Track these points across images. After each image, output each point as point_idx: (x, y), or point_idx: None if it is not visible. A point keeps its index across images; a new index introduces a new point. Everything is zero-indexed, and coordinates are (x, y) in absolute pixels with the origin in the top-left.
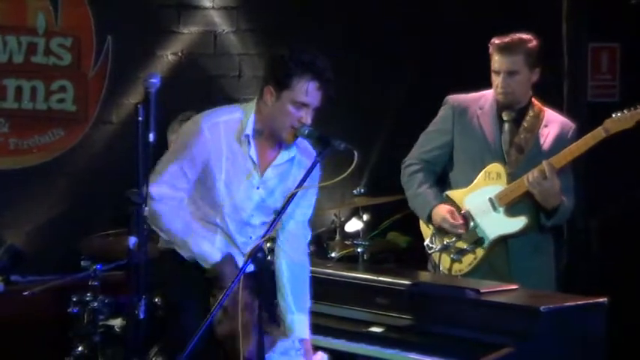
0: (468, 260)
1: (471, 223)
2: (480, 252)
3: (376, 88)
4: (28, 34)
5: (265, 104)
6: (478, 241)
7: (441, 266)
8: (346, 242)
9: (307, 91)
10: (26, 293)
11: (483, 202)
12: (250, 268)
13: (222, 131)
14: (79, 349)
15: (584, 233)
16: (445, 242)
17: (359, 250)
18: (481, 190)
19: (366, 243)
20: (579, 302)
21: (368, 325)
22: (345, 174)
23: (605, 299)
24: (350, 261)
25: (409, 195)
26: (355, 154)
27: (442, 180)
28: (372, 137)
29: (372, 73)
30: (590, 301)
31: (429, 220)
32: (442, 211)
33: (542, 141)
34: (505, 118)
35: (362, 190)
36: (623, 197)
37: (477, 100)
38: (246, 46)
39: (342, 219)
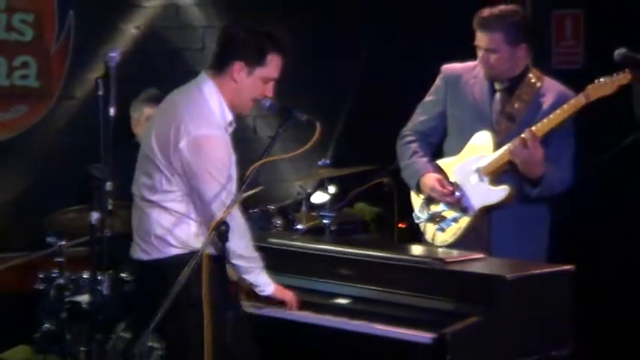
0: (452, 230)
1: (457, 193)
2: (463, 222)
3: (338, 58)
4: None
5: (233, 81)
6: (463, 212)
7: (426, 236)
8: (312, 214)
9: (280, 67)
10: None
11: (470, 171)
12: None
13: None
14: (46, 325)
15: None
16: (432, 212)
17: (325, 221)
18: (468, 160)
19: (333, 214)
20: (546, 270)
21: (334, 297)
22: (308, 145)
23: (573, 267)
24: (316, 233)
25: (402, 166)
26: (317, 125)
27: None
28: (336, 108)
29: (333, 42)
30: (557, 269)
31: (418, 189)
32: (430, 180)
33: (537, 110)
34: (497, 87)
35: (327, 162)
36: (587, 162)
37: (471, 69)
38: (209, 19)
39: (308, 191)
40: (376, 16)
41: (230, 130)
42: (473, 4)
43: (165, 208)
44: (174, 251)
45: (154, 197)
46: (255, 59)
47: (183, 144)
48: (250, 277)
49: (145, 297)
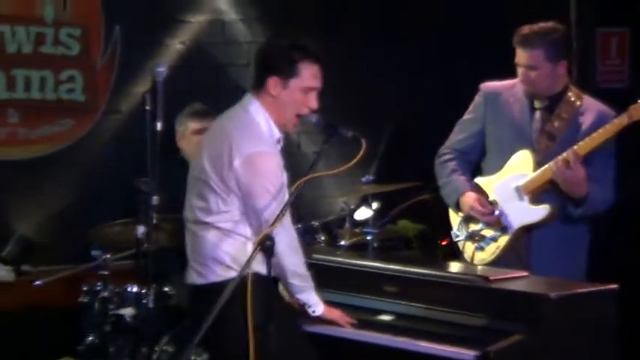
0: (492, 249)
1: (496, 212)
2: (503, 241)
3: (385, 74)
4: (37, 25)
5: (270, 96)
6: (502, 230)
7: (465, 255)
8: (356, 230)
9: (316, 75)
10: (37, 283)
11: (510, 190)
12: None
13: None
14: (90, 338)
15: None
16: (471, 230)
17: (368, 238)
18: (508, 178)
19: (376, 231)
20: (590, 289)
21: (377, 314)
22: (353, 162)
23: (616, 286)
24: (359, 249)
25: (440, 184)
26: (363, 142)
27: (479, 168)
28: (380, 124)
29: (381, 58)
30: (601, 288)
31: (458, 207)
32: (470, 199)
33: (577, 129)
34: (537, 105)
35: (371, 178)
36: (626, 182)
37: (510, 87)
38: (255, 34)
39: (352, 207)
40: (428, 31)
41: (279, 147)
42: (515, 22)
43: (220, 229)
44: (230, 274)
45: (209, 219)
46: (287, 71)
47: (237, 163)
48: (303, 297)
49: (199, 320)
